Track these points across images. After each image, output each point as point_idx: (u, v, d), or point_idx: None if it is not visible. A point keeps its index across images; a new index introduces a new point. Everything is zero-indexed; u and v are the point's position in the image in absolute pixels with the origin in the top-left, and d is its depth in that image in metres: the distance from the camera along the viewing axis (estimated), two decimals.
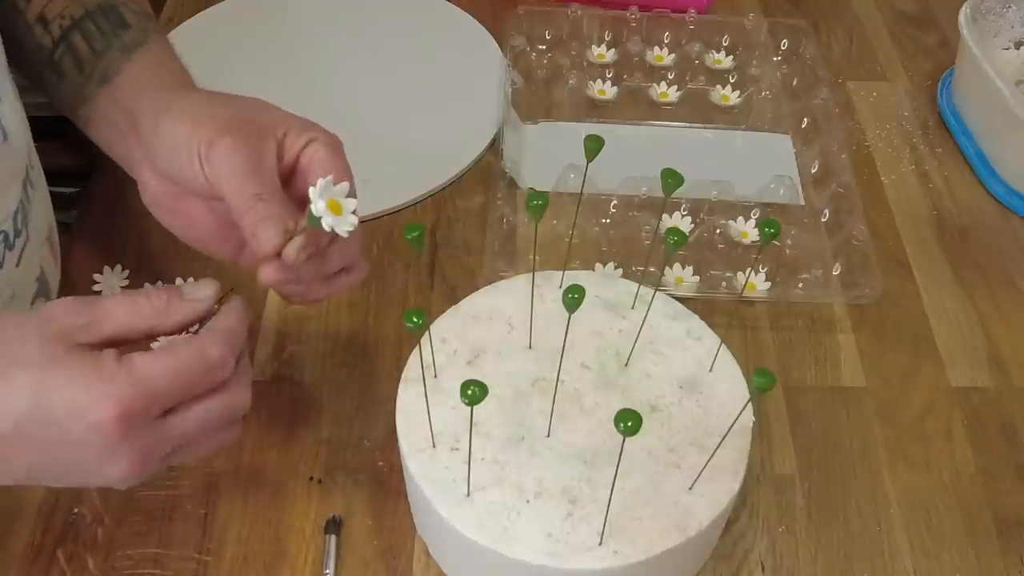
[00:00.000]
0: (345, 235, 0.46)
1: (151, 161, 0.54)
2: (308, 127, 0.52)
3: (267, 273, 0.49)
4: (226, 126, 0.50)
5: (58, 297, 0.65)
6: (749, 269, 0.71)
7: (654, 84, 0.86)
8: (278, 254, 0.48)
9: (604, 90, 0.86)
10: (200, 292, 0.47)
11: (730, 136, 0.84)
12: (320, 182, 0.46)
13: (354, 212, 0.47)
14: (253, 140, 0.50)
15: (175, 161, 0.51)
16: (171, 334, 0.47)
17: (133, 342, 0.45)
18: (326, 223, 0.45)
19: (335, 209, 0.46)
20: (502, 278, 0.63)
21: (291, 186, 0.52)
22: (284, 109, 0.54)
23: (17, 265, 0.57)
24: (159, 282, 0.69)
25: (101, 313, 0.44)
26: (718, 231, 0.74)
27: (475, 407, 0.44)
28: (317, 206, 0.45)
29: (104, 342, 0.44)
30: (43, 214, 0.61)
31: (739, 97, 0.85)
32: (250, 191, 0.49)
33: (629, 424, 0.42)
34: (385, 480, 0.60)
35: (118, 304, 0.45)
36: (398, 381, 0.56)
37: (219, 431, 0.48)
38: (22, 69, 0.61)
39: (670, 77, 0.86)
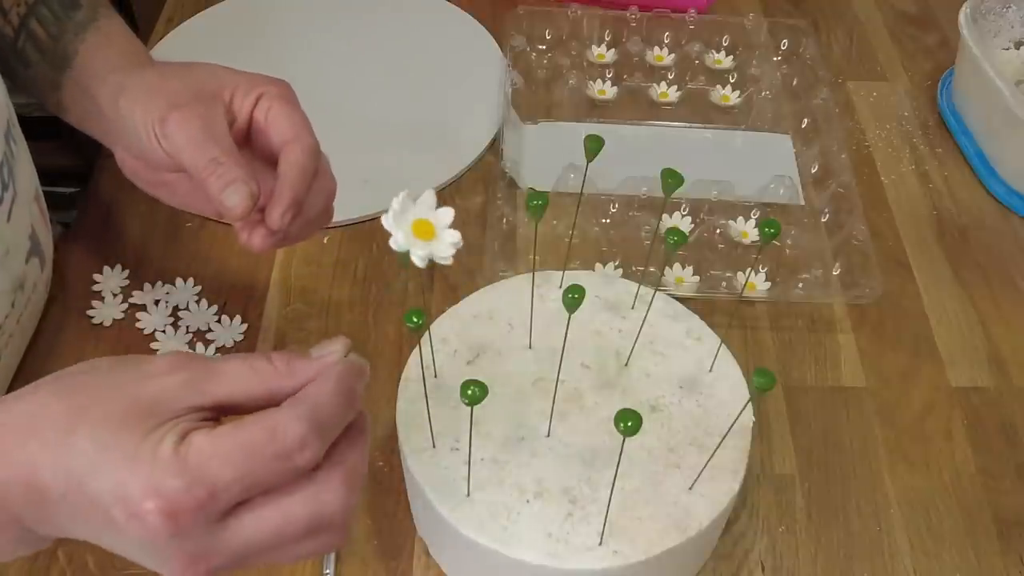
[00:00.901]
0: (448, 261, 0.39)
1: (122, 142, 0.56)
2: (256, 83, 0.54)
3: (258, 242, 0.51)
4: (174, 100, 0.51)
5: (52, 261, 0.66)
6: (749, 269, 0.71)
7: (654, 84, 0.86)
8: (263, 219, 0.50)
9: (604, 90, 0.85)
10: (327, 348, 0.41)
11: (730, 136, 0.84)
12: (394, 201, 0.39)
13: (451, 226, 0.40)
14: (201, 108, 0.51)
15: (137, 141, 0.53)
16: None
17: (249, 411, 0.38)
18: (418, 257, 0.39)
19: (424, 232, 0.39)
20: (502, 278, 0.63)
21: (252, 145, 0.54)
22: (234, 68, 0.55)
23: (8, 220, 0.57)
24: (160, 282, 0.69)
25: (212, 370, 0.38)
26: (718, 231, 0.74)
27: (475, 407, 0.44)
28: (399, 238, 0.38)
29: (214, 406, 0.38)
30: (27, 172, 0.61)
31: (739, 97, 0.85)
32: (206, 156, 0.49)
33: (629, 424, 0.42)
34: (385, 480, 0.60)
35: (232, 362, 0.39)
36: (398, 381, 0.56)
37: (303, 540, 0.38)
38: None
39: (670, 77, 0.86)
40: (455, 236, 0.40)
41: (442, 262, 0.39)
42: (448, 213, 0.41)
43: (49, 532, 0.39)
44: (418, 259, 0.39)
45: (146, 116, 0.51)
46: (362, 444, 0.41)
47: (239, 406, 0.39)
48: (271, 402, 0.39)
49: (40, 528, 0.39)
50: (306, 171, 0.51)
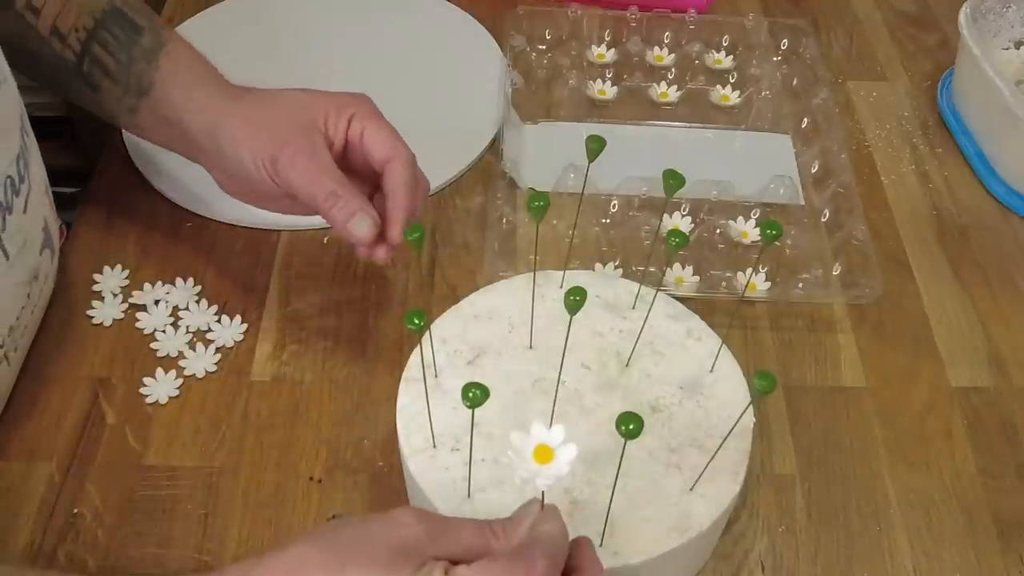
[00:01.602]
0: (546, 487, 0.42)
1: (222, 170, 0.60)
2: (343, 105, 0.58)
3: (382, 256, 0.57)
4: (278, 137, 0.56)
5: (60, 252, 0.67)
6: (749, 269, 0.71)
7: (654, 84, 0.86)
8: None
9: (604, 90, 0.85)
10: (528, 509, 0.45)
11: (730, 136, 0.84)
12: (516, 437, 0.42)
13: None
14: (305, 142, 0.56)
15: (245, 174, 0.58)
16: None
17: (469, 562, 0.42)
18: (543, 483, 0.41)
19: (544, 457, 0.42)
20: (502, 278, 0.63)
21: (348, 159, 0.59)
22: (311, 88, 0.60)
23: (24, 212, 0.58)
24: (160, 282, 0.69)
25: (450, 526, 0.43)
26: (718, 231, 0.74)
27: (475, 408, 0.44)
28: (532, 470, 0.41)
29: (448, 557, 0.42)
30: (38, 164, 0.62)
31: (739, 97, 0.85)
32: (324, 191, 0.55)
33: (631, 427, 0.42)
34: (385, 480, 0.60)
35: (466, 523, 0.44)
36: (398, 381, 0.56)
37: None
38: (41, 79, 0.64)
39: (670, 77, 0.86)
40: (571, 452, 0.42)
41: (547, 487, 0.42)
42: (571, 450, 0.42)
43: None
44: (542, 485, 0.42)
45: (255, 154, 0.56)
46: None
47: (464, 560, 0.42)
48: (486, 554, 0.43)
49: None
50: (411, 185, 0.57)
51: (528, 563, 0.41)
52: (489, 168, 0.79)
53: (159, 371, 0.64)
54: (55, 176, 0.66)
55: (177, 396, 0.63)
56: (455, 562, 0.41)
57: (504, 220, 0.74)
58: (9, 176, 0.56)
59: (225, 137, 0.58)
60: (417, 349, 0.57)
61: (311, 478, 0.60)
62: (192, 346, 0.65)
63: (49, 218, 0.63)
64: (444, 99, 0.85)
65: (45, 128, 0.68)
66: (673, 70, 0.87)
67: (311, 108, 0.58)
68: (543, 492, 0.44)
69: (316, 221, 0.60)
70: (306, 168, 0.56)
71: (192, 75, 0.62)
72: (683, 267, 0.71)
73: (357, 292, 0.70)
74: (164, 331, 0.66)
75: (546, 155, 0.80)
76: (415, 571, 0.40)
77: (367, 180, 0.60)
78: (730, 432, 0.50)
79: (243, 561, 0.43)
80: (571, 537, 0.45)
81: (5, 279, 0.57)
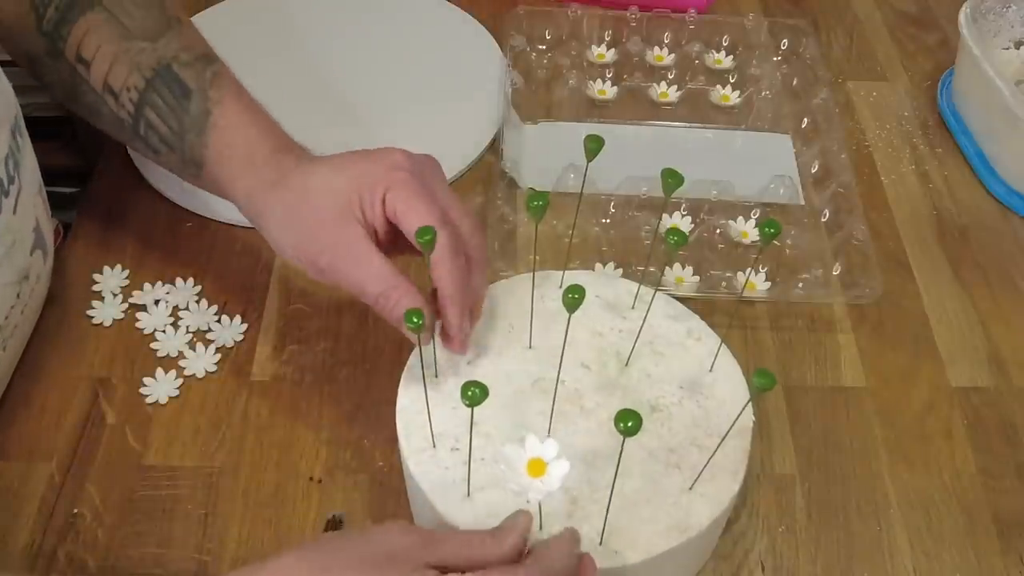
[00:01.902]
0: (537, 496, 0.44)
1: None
2: (374, 183, 0.54)
3: (458, 348, 0.56)
4: (316, 242, 0.55)
5: (54, 256, 0.66)
6: (749, 269, 0.71)
7: (654, 84, 0.86)
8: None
9: (604, 90, 0.85)
10: (515, 519, 0.46)
11: (730, 136, 0.84)
12: (510, 450, 0.43)
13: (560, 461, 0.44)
14: (343, 240, 0.54)
15: (291, 261, 0.57)
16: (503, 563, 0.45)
17: (461, 571, 0.43)
18: (534, 497, 0.43)
19: (537, 471, 0.43)
20: (502, 278, 0.63)
21: (396, 234, 0.55)
22: (345, 157, 0.56)
23: (14, 212, 0.58)
24: (159, 282, 0.69)
25: (436, 536, 0.45)
26: (718, 231, 0.74)
27: (475, 407, 0.44)
28: (524, 483, 0.43)
29: (437, 565, 0.43)
30: (31, 166, 0.62)
31: (739, 97, 0.85)
32: (370, 294, 0.53)
33: (629, 424, 0.42)
34: (385, 480, 0.60)
35: (452, 533, 0.46)
36: (398, 381, 0.56)
37: None
38: (105, 131, 0.63)
39: (670, 77, 0.86)
40: (564, 468, 0.43)
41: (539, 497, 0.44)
42: (563, 466, 0.44)
43: None
44: (533, 497, 0.43)
45: (297, 254, 0.55)
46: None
47: (455, 568, 0.43)
48: (483, 565, 0.44)
49: None
50: (456, 270, 0.53)
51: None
52: (489, 168, 0.79)
53: (159, 371, 0.64)
54: (54, 176, 0.66)
55: (177, 396, 0.63)
56: (446, 570, 0.42)
57: (504, 220, 0.74)
58: None
59: (268, 231, 0.57)
60: (417, 349, 0.57)
61: (311, 478, 0.60)
62: (192, 346, 0.66)
63: (42, 219, 0.63)
64: (444, 99, 0.85)
65: (44, 128, 0.68)
66: (673, 70, 0.87)
67: (345, 194, 0.54)
68: (539, 504, 0.44)
69: None
70: (347, 271, 0.54)
71: (236, 157, 0.58)
72: (683, 267, 0.71)
73: None
74: (164, 331, 0.66)
75: (546, 155, 0.80)
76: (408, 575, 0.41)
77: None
78: (729, 431, 0.50)
79: (243, 568, 0.44)
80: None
81: None
